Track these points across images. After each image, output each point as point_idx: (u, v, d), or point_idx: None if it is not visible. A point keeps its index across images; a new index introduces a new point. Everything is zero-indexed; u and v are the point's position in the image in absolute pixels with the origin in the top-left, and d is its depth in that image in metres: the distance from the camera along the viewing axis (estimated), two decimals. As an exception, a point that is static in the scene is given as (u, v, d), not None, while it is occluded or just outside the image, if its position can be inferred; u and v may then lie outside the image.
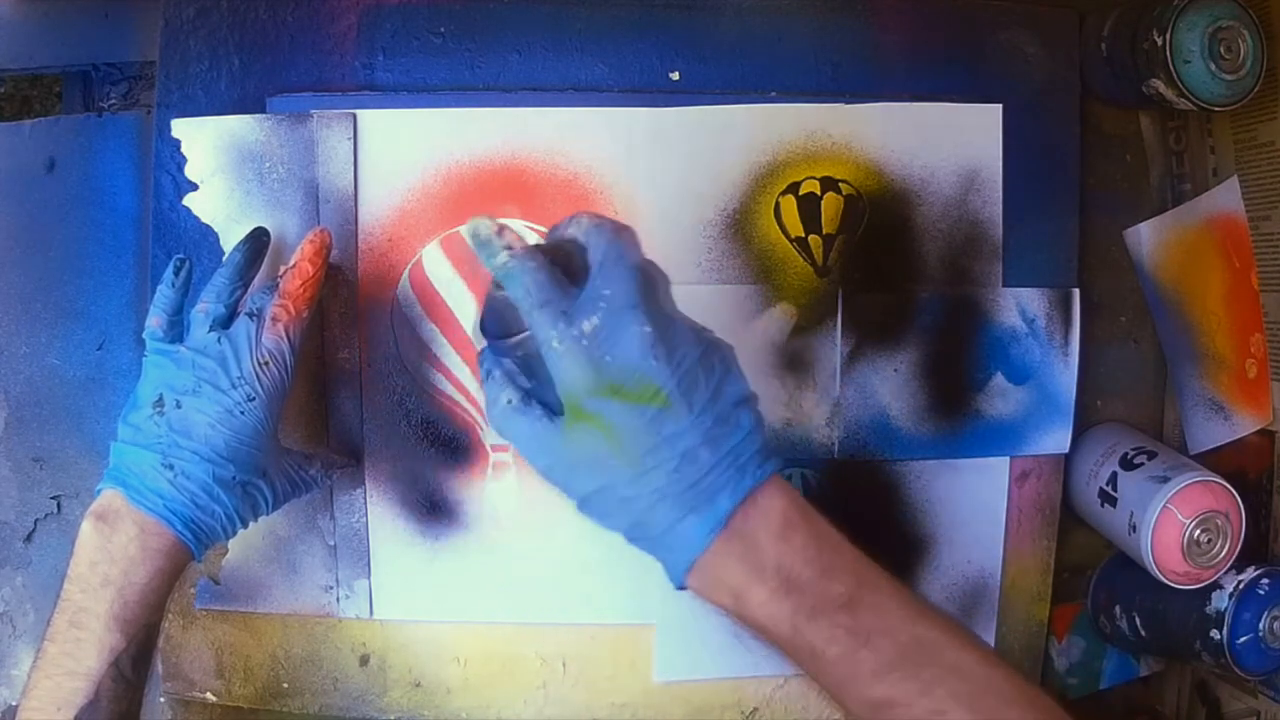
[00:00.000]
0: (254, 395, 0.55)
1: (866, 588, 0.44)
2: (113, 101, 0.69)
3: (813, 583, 0.44)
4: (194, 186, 0.65)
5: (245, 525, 0.57)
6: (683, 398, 0.44)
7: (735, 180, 0.67)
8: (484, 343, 0.48)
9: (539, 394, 0.46)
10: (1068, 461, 0.72)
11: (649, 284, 0.45)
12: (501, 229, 0.45)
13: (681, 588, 0.46)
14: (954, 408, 0.70)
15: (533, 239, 0.65)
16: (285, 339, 0.56)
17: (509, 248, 0.45)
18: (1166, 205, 0.75)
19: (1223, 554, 0.65)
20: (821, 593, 0.44)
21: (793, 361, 0.68)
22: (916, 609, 0.45)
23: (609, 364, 0.43)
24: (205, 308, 0.57)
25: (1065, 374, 0.71)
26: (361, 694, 0.69)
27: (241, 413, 0.54)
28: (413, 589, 0.68)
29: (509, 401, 0.46)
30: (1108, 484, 0.69)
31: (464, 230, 0.46)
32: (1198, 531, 0.64)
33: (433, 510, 0.67)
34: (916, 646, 0.43)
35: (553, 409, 0.46)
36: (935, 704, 0.42)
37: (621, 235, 0.46)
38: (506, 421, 0.47)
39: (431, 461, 0.67)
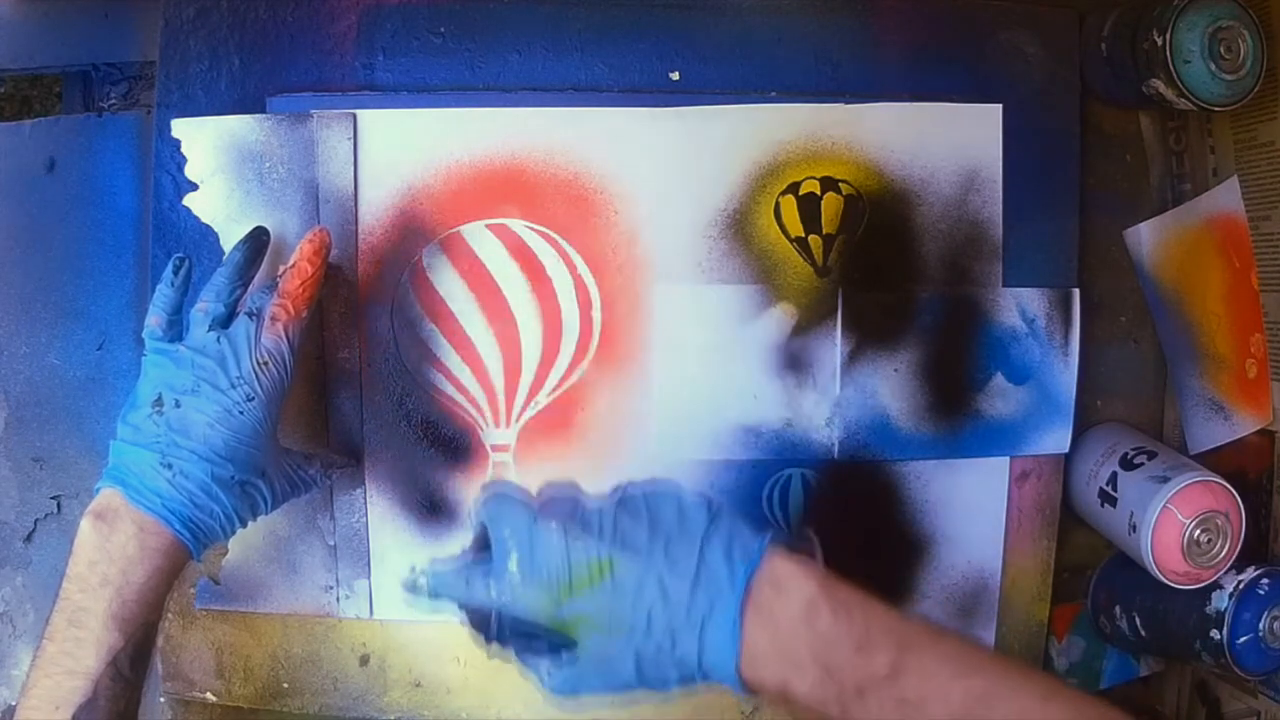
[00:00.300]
0: (253, 395, 0.55)
1: (909, 651, 0.43)
2: (113, 101, 0.69)
3: (852, 662, 0.43)
4: (194, 186, 0.64)
5: (244, 525, 0.57)
6: (622, 551, 0.45)
7: (735, 180, 0.67)
8: (489, 644, 0.49)
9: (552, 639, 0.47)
10: (1068, 461, 0.72)
11: (539, 504, 0.48)
12: (414, 568, 0.48)
13: (749, 692, 0.45)
14: (954, 408, 0.70)
15: (533, 239, 0.66)
16: (284, 339, 0.56)
17: (424, 573, 0.48)
18: (1166, 205, 0.75)
19: (1223, 554, 0.65)
20: (863, 670, 0.43)
21: (793, 361, 0.68)
22: (964, 660, 0.43)
23: (548, 577, 0.45)
24: (205, 307, 0.57)
25: (1065, 374, 0.71)
26: (361, 694, 0.69)
27: (240, 412, 0.54)
28: (412, 589, 0.68)
29: (549, 673, 0.47)
30: (1108, 484, 0.69)
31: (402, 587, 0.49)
32: (1198, 531, 0.64)
33: (433, 510, 0.67)
34: (970, 703, 0.42)
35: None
36: None
37: (494, 489, 0.49)
38: (556, 687, 0.47)
39: (431, 461, 0.67)
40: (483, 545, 0.49)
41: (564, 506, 0.47)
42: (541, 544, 0.46)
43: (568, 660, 0.46)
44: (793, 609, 0.44)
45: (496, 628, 0.47)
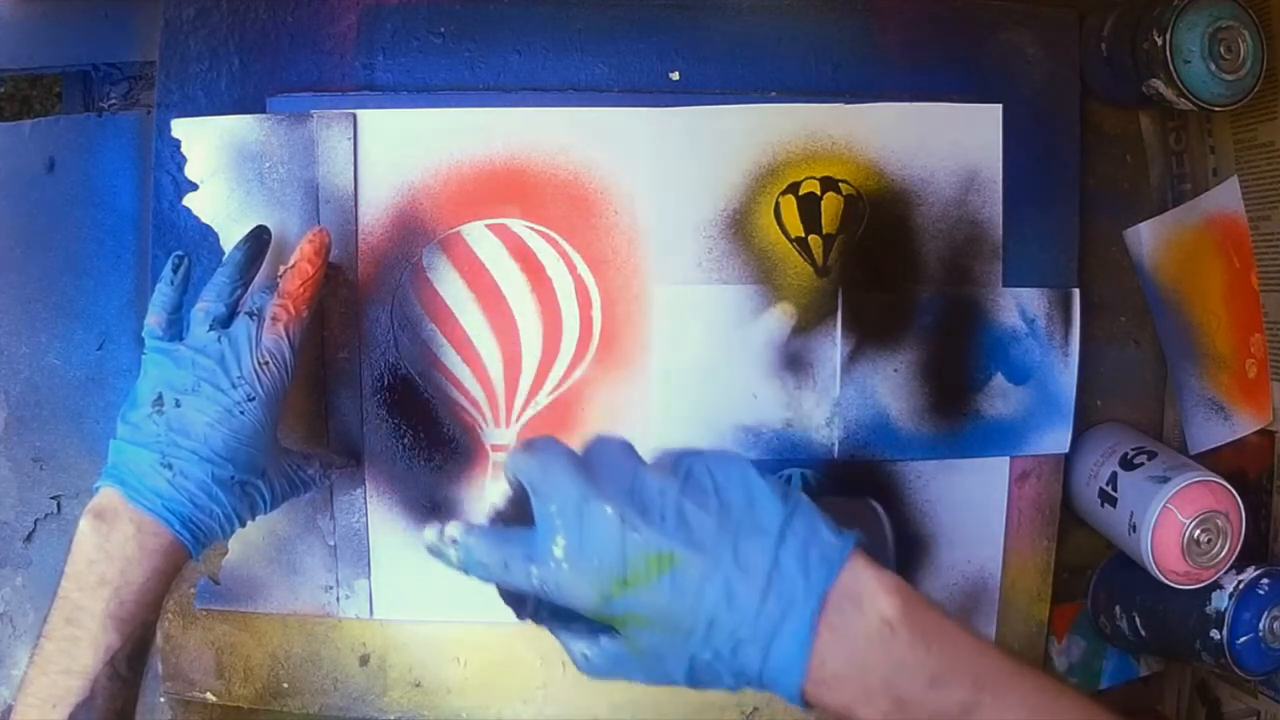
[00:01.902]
0: (253, 395, 0.55)
1: (986, 689, 0.40)
2: (113, 101, 0.69)
3: (924, 696, 0.39)
4: (194, 186, 0.65)
5: (243, 525, 0.57)
6: (685, 545, 0.40)
7: (735, 180, 0.67)
8: (524, 619, 0.46)
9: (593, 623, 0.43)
10: (1068, 461, 0.72)
11: (589, 469, 0.42)
12: (442, 532, 0.43)
13: (809, 708, 0.42)
14: (954, 408, 0.70)
15: (533, 239, 0.66)
16: (285, 339, 0.56)
17: (454, 541, 0.43)
18: (1166, 205, 0.75)
19: (1223, 554, 0.65)
20: (935, 706, 0.39)
21: (793, 361, 0.68)
22: (1040, 704, 0.40)
23: (600, 568, 0.40)
24: (205, 306, 0.57)
25: (1065, 374, 0.71)
26: (361, 694, 0.69)
27: (241, 412, 0.54)
28: (413, 589, 0.68)
29: (584, 655, 0.43)
30: (1108, 484, 0.69)
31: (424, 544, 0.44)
32: (1198, 531, 0.64)
33: (433, 510, 0.67)
34: None
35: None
36: None
37: (538, 446, 0.43)
38: (592, 670, 0.44)
39: (431, 461, 0.67)
40: (518, 506, 0.44)
41: (620, 480, 0.42)
42: (593, 529, 0.40)
43: (609, 647, 0.42)
44: (869, 629, 0.40)
45: (534, 610, 0.43)
